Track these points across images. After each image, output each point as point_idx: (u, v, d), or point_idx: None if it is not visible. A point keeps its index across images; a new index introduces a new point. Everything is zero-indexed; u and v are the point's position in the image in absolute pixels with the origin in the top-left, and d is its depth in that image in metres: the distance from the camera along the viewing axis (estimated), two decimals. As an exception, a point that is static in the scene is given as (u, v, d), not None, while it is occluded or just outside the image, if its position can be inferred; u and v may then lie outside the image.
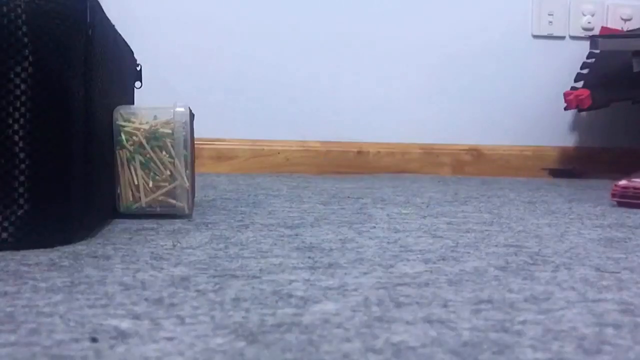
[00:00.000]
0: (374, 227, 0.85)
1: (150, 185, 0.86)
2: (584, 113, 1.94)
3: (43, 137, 0.67)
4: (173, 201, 0.87)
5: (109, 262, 0.60)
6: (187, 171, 0.87)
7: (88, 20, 0.71)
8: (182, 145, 0.86)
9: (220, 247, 0.69)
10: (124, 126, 0.86)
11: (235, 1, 1.83)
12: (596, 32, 1.88)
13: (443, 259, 0.65)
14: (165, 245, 0.70)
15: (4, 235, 0.66)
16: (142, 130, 0.86)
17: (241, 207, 1.02)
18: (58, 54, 0.68)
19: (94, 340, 0.39)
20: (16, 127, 0.66)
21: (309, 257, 0.64)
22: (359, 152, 1.87)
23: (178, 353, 0.37)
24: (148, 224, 0.83)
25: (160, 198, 0.87)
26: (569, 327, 0.43)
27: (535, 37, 1.92)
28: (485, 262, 0.64)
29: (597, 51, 1.70)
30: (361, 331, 0.41)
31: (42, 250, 0.65)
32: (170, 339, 0.39)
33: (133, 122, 0.86)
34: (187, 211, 0.88)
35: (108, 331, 0.40)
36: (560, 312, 0.47)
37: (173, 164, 0.86)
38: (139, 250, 0.66)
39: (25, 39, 0.66)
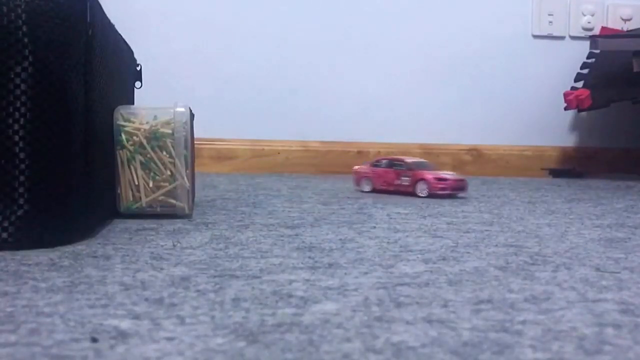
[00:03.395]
0: (374, 227, 0.85)
1: (151, 185, 0.86)
2: (584, 113, 1.94)
3: (43, 137, 0.67)
4: (173, 201, 0.87)
5: (109, 262, 0.60)
6: (187, 171, 0.87)
7: (88, 20, 0.71)
8: (182, 145, 0.86)
9: (220, 247, 0.69)
10: (124, 126, 0.86)
11: (236, 1, 1.83)
12: (596, 32, 1.88)
13: (443, 259, 0.65)
14: (165, 245, 0.69)
15: (4, 235, 0.66)
16: (142, 130, 0.86)
17: (241, 207, 1.02)
18: (58, 54, 0.67)
19: (94, 340, 0.39)
20: (16, 127, 0.66)
21: (309, 257, 0.64)
22: (359, 152, 1.87)
23: (178, 353, 0.37)
24: (148, 224, 0.83)
25: (160, 198, 0.87)
26: (569, 327, 0.43)
27: (535, 37, 1.92)
28: (485, 262, 0.64)
29: (597, 51, 1.70)
30: (361, 331, 0.41)
31: (42, 250, 0.65)
32: (170, 339, 0.39)
33: (133, 122, 0.86)
34: (187, 211, 0.88)
35: (108, 331, 0.40)
36: (560, 312, 0.47)
37: (173, 164, 0.86)
38: (139, 250, 0.66)
39: (25, 39, 0.66)
